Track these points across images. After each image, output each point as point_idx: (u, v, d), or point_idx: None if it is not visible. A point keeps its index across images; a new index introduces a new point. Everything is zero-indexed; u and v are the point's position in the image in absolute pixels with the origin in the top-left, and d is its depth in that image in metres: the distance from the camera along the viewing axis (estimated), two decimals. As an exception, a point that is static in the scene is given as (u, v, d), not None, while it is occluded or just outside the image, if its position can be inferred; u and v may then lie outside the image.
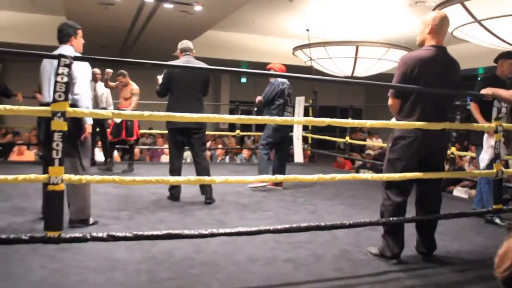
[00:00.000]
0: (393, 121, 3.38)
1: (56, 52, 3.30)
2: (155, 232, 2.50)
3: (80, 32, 4.00)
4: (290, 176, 3.23)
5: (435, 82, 3.10)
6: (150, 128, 13.09)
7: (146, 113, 2.36)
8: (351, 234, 4.00)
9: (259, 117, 3.35)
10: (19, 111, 2.26)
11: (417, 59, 3.13)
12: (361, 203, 5.60)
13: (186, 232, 2.54)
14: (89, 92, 3.63)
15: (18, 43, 11.96)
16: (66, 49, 3.68)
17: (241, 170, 8.11)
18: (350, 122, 3.90)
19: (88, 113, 2.26)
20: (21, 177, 2.26)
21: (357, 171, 9.87)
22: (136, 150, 9.48)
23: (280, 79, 6.40)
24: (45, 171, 2.33)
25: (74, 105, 3.19)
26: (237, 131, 9.51)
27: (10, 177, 2.26)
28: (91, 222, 3.89)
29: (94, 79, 7.64)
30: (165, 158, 9.11)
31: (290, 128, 7.33)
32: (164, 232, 2.50)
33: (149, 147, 10.75)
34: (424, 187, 3.30)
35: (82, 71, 3.65)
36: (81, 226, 3.76)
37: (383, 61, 12.79)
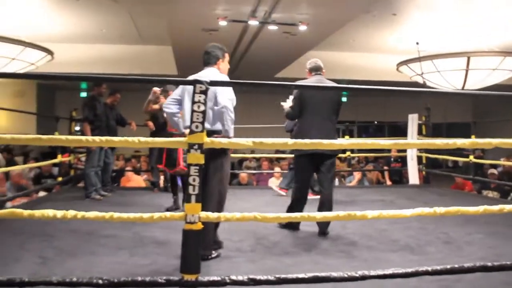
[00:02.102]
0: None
1: (200, 74, 3.22)
2: (300, 275, 2.20)
3: (227, 55, 3.93)
4: (452, 208, 2.78)
5: None
6: (252, 152, 13.03)
7: (291, 141, 2.10)
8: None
9: (404, 141, 2.94)
10: (155, 143, 2.10)
11: None
12: (501, 231, 4.94)
13: (334, 274, 2.22)
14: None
15: (128, 74, 12.53)
16: (211, 72, 3.61)
17: (356, 193, 7.68)
18: (480, 142, 3.33)
19: (227, 143, 2.06)
20: (156, 215, 2.08)
21: (479, 192, 9.00)
22: (244, 175, 9.38)
23: None
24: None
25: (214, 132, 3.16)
26: (348, 153, 9.10)
27: (145, 215, 2.09)
28: (214, 255, 3.68)
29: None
30: (273, 182, 8.88)
31: None
32: (310, 275, 2.19)
33: (254, 172, 10.64)
34: None
35: (231, 96, 3.52)
36: (206, 259, 3.55)
37: (498, 71, 11.79)
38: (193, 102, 2.06)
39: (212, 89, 3.27)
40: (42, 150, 15.60)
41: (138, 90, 13.58)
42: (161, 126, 6.88)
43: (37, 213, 2.09)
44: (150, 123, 7.34)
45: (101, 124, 6.78)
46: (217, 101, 3.47)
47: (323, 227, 4.68)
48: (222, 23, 8.86)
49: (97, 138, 2.13)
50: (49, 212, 2.12)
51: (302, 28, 8.91)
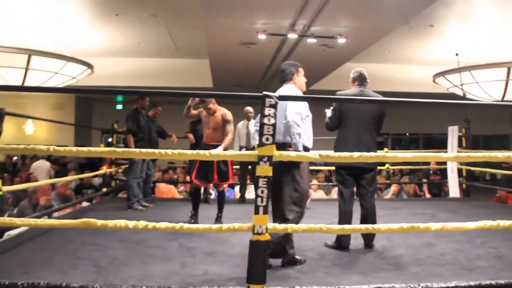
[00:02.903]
0: None
1: (278, 92, 3.33)
2: (362, 287, 2.20)
3: (301, 70, 4.03)
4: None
5: None
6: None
7: (356, 154, 2.11)
8: None
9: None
10: (226, 156, 2.14)
11: None
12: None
13: (397, 286, 2.21)
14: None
15: (165, 87, 12.75)
16: (288, 88, 3.71)
17: (395, 206, 7.58)
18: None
19: (295, 157, 2.09)
20: (225, 226, 2.12)
21: (523, 206, 8.77)
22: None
23: None
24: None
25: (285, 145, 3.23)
26: (387, 166, 9.02)
27: (214, 226, 2.13)
28: (301, 261, 3.71)
29: (247, 117, 7.80)
30: (317, 195, 8.84)
31: None
32: (373, 286, 2.19)
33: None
34: None
35: (298, 110, 3.59)
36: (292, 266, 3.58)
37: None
38: (263, 116, 2.11)
39: (282, 103, 3.34)
40: (80, 161, 15.97)
41: (176, 103, 13.83)
42: (200, 138, 6.99)
43: (110, 223, 2.16)
44: (190, 136, 7.44)
45: (144, 136, 6.91)
46: (284, 114, 3.53)
47: (369, 239, 4.62)
48: (261, 36, 8.95)
49: (169, 151, 2.19)
50: (121, 223, 2.18)
51: (341, 40, 8.94)
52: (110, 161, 8.16)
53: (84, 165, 14.91)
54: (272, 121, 2.12)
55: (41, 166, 11.68)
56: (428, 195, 9.85)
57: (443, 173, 9.45)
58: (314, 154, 2.19)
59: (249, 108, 7.86)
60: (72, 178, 9.02)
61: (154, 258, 4.08)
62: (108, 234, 4.72)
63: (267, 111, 2.10)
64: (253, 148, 7.72)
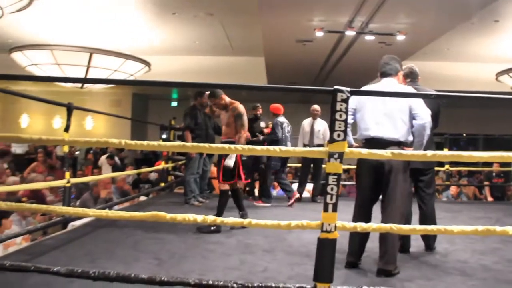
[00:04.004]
0: None
1: (379, 85, 3.46)
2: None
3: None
4: None
5: None
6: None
7: (430, 152, 2.03)
8: None
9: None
10: (295, 152, 2.12)
11: None
12: None
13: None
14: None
15: (219, 84, 12.87)
16: (392, 82, 3.63)
17: (455, 209, 7.31)
18: None
19: (367, 154, 2.04)
20: (293, 223, 2.09)
21: None
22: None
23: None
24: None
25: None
26: (447, 166, 8.72)
27: (283, 223, 2.11)
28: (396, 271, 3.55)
29: (313, 115, 7.73)
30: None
31: None
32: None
33: (344, 183, 10.49)
34: None
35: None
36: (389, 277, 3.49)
37: None
38: (335, 111, 2.06)
39: (403, 100, 3.35)
40: (136, 156, 16.39)
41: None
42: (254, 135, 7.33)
43: (179, 217, 2.17)
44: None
45: (201, 133, 6.99)
46: (412, 113, 3.47)
47: (431, 241, 4.48)
48: (318, 33, 8.87)
49: (239, 147, 2.19)
50: (190, 217, 2.20)
51: (400, 37, 8.73)
52: (166, 157, 8.31)
53: (139, 161, 15.28)
54: (344, 116, 2.07)
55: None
56: (490, 198, 9.46)
57: (507, 175, 9.03)
58: (386, 152, 2.12)
59: (316, 106, 7.77)
60: (131, 172, 9.27)
61: (213, 253, 4.11)
62: (167, 229, 4.80)
63: (338, 106, 2.05)
64: (316, 146, 7.62)
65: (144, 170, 9.21)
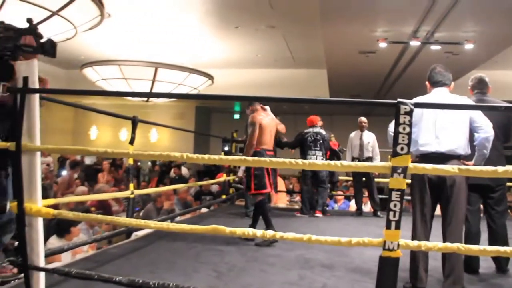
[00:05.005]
0: None
1: (442, 97, 3.39)
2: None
3: None
4: None
5: None
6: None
7: (500, 168, 1.90)
8: None
9: None
10: (358, 167, 2.06)
11: None
12: None
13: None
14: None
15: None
16: (448, 93, 3.55)
17: None
18: None
19: (431, 169, 1.95)
20: (354, 240, 2.02)
21: None
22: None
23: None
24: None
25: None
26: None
27: (343, 239, 2.04)
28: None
29: (360, 127, 7.61)
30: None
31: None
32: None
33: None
34: None
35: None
36: None
37: None
38: (398, 124, 1.98)
39: (463, 111, 3.28)
40: (198, 168, 16.68)
41: (291, 113, 13.99)
42: None
43: (238, 231, 2.16)
44: None
45: (262, 145, 6.98)
46: (473, 126, 3.38)
47: (503, 263, 4.20)
48: (382, 44, 8.70)
49: (299, 161, 2.16)
50: (249, 231, 2.18)
51: (468, 46, 8.40)
52: (228, 169, 8.38)
53: (202, 173, 15.53)
54: (407, 129, 1.99)
55: (184, 170, 12.62)
56: None
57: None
58: (452, 168, 2.01)
59: (363, 118, 7.65)
60: (192, 184, 9.43)
61: (272, 267, 4.07)
62: (227, 241, 4.82)
63: (402, 119, 1.97)
64: (366, 160, 7.51)
65: (205, 182, 9.33)
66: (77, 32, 8.80)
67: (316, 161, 6.71)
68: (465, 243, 4.09)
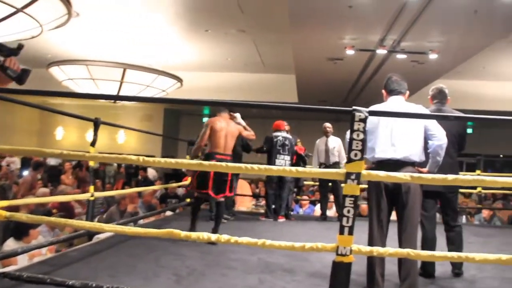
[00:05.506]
0: None
1: (391, 105, 3.44)
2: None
3: None
4: None
5: None
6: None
7: (450, 176, 1.95)
8: None
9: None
10: (312, 173, 2.07)
11: None
12: None
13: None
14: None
15: (252, 101, 12.94)
16: (404, 101, 3.64)
17: (487, 233, 7.05)
18: None
19: (385, 177, 1.98)
20: (308, 245, 2.04)
21: None
22: (364, 206, 9.08)
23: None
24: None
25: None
26: (479, 189, 8.44)
27: (297, 244, 2.06)
28: None
29: (325, 133, 7.69)
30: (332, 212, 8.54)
31: None
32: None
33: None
34: None
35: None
36: None
37: None
38: (353, 130, 2.01)
39: (418, 120, 3.36)
40: (166, 171, 16.53)
41: (260, 117, 14.02)
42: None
43: (193, 235, 2.15)
44: None
45: (228, 149, 6.97)
46: (428, 133, 3.46)
47: (458, 266, 4.31)
48: (349, 52, 8.82)
49: (255, 166, 2.16)
50: (204, 235, 2.17)
51: (433, 56, 8.59)
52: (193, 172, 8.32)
53: (169, 175, 15.41)
54: (361, 136, 2.02)
55: (152, 172, 12.45)
56: (526, 223, 9.10)
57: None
58: (404, 175, 2.06)
59: (327, 124, 7.75)
60: (158, 187, 9.34)
61: (233, 271, 4.07)
62: (189, 245, 4.78)
63: (356, 125, 2.01)
64: (332, 165, 7.59)
65: (170, 185, 9.26)
66: (43, 30, 8.62)
67: (277, 166, 6.78)
68: (422, 248, 4.21)
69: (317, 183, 8.80)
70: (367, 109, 2.03)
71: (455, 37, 8.08)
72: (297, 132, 8.48)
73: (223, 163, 2.22)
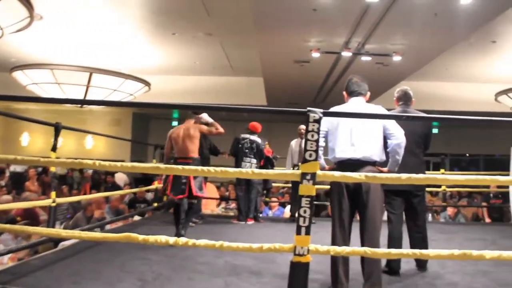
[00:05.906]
0: None
1: (353, 106, 3.47)
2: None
3: None
4: None
5: None
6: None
7: (404, 175, 2.00)
8: None
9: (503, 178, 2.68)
10: (268, 175, 2.09)
11: None
12: None
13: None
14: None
15: (220, 104, 12.94)
16: (364, 102, 3.69)
17: (451, 230, 7.22)
18: None
19: (340, 177, 2.01)
20: (265, 246, 2.06)
21: None
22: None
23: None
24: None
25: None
26: (444, 187, 8.65)
27: (254, 245, 2.07)
28: None
29: (300, 135, 7.73)
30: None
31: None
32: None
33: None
34: None
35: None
36: None
37: None
38: (307, 131, 2.04)
39: (377, 120, 3.41)
40: (135, 176, 16.35)
41: (229, 120, 13.99)
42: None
43: (151, 238, 2.14)
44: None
45: (196, 153, 6.96)
46: (387, 133, 3.52)
47: (422, 263, 4.41)
48: (315, 54, 8.91)
49: (211, 169, 2.17)
50: (162, 238, 2.17)
51: (396, 58, 8.76)
52: (162, 177, 8.27)
53: (138, 180, 15.23)
54: (315, 136, 2.05)
55: (122, 177, 12.31)
56: (488, 220, 9.36)
57: (505, 196, 8.92)
58: (359, 175, 2.09)
59: (302, 126, 7.77)
60: (125, 192, 9.23)
61: (200, 275, 4.05)
62: (156, 249, 4.75)
63: (310, 126, 2.04)
64: None
65: (138, 189, 9.17)
66: (3, 33, 8.44)
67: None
68: (388, 246, 4.29)
69: (288, 185, 8.84)
70: (321, 110, 2.06)
71: (417, 39, 8.25)
72: (266, 135, 8.51)
73: (180, 166, 2.22)
